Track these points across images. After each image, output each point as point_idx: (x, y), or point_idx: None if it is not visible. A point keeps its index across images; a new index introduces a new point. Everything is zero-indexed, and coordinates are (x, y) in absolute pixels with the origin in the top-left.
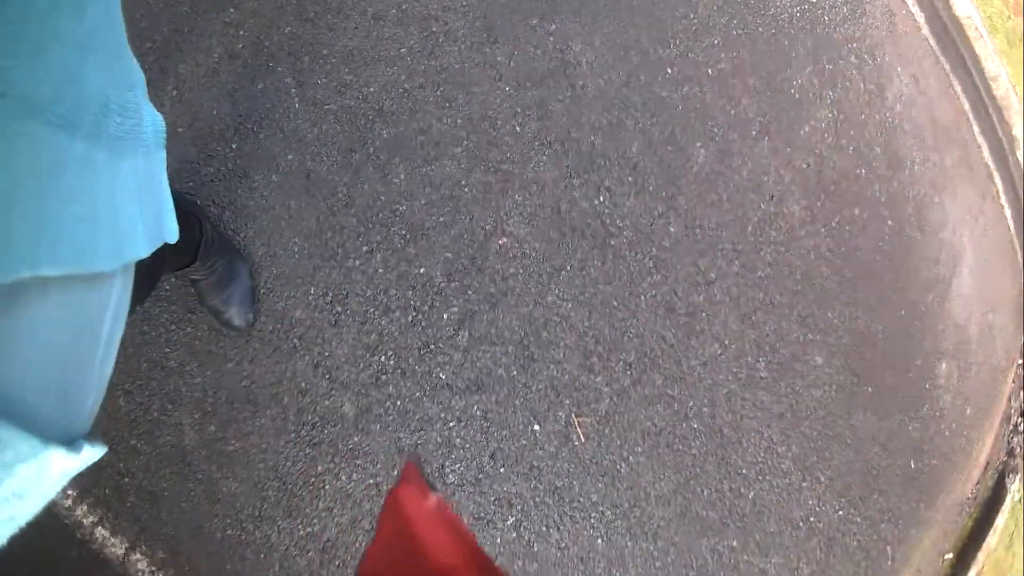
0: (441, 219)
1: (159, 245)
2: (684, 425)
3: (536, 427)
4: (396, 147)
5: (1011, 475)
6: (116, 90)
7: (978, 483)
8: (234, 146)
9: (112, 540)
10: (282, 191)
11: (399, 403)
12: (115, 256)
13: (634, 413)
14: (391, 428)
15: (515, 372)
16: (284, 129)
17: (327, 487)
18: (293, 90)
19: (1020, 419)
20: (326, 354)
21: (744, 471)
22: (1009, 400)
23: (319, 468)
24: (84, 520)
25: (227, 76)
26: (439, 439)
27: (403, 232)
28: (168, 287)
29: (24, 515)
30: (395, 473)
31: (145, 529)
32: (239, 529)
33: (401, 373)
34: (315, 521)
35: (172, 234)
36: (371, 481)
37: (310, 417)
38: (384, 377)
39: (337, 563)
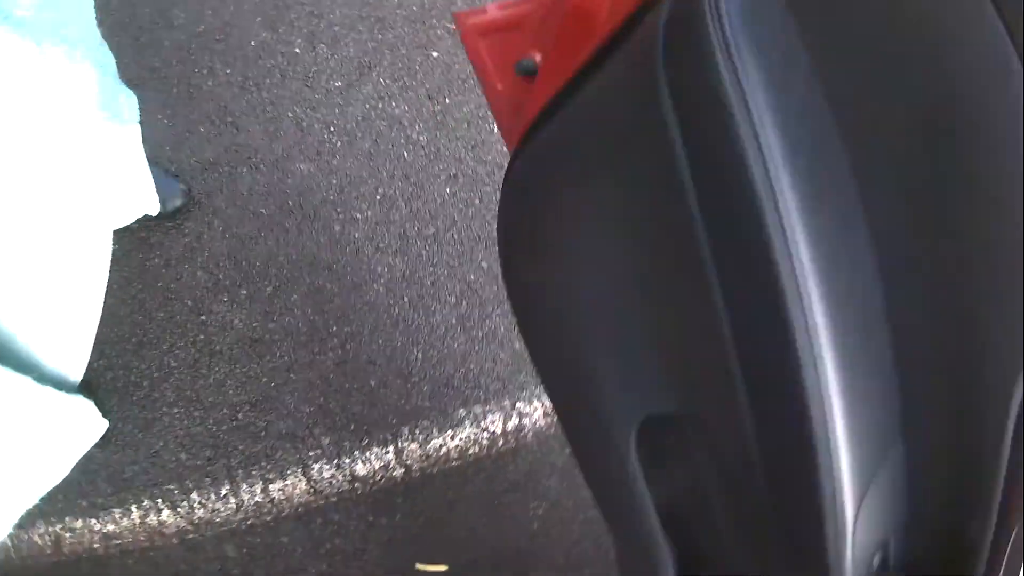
0: (231, 7)
1: (140, 214)
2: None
3: (435, 54)
4: None
5: None
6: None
7: None
8: None
9: (290, 484)
10: None
11: (332, 128)
12: (97, 217)
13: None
14: (351, 153)
15: (380, 36)
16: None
17: (365, 248)
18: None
19: None
20: (255, 155)
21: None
22: None
23: (337, 228)
24: (257, 499)
25: None
26: (385, 124)
27: (215, 37)
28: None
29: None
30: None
31: (296, 439)
32: (349, 351)
33: (312, 108)
34: (386, 266)
35: (151, 204)
36: (394, 221)
37: (291, 202)
38: (304, 123)
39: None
